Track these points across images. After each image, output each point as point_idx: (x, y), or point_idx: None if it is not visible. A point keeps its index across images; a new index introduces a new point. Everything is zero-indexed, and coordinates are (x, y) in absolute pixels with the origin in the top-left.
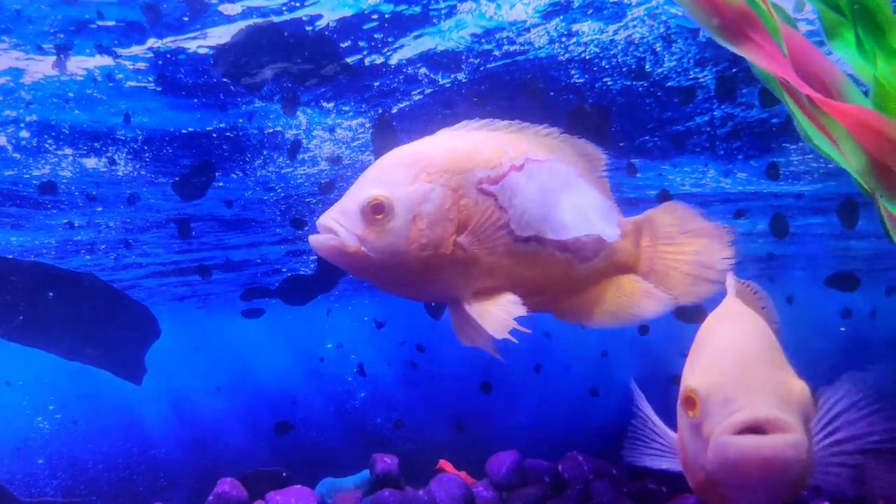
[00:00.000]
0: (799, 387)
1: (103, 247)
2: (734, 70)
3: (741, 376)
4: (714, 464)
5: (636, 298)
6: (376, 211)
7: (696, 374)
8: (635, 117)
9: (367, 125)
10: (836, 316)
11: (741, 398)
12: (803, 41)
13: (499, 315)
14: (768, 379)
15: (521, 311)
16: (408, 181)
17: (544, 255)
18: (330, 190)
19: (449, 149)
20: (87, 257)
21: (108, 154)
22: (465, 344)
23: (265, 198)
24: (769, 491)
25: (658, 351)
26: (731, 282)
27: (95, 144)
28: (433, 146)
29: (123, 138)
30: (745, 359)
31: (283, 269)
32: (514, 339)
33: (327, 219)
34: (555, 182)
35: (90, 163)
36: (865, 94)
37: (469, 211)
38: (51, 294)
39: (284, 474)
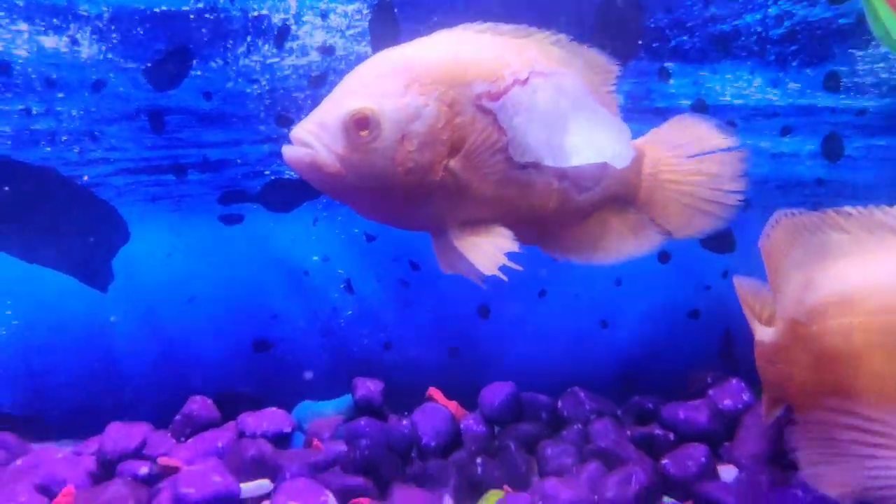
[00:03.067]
0: None
1: (65, 138)
2: None
3: None
4: None
5: (626, 234)
6: (360, 126)
7: None
8: (673, 13)
9: (365, 11)
10: None
11: None
12: None
13: (489, 250)
14: None
15: (514, 246)
16: (397, 93)
17: (541, 184)
18: (321, 84)
19: (445, 56)
20: (48, 149)
21: (70, 33)
22: (446, 272)
23: (248, 90)
24: None
25: (677, 282)
26: None
27: (55, 21)
28: (427, 52)
29: (87, 14)
30: None
31: (266, 172)
32: (503, 277)
33: (303, 131)
34: (561, 100)
35: (49, 42)
36: None
37: (464, 131)
38: (6, 188)
39: (260, 395)
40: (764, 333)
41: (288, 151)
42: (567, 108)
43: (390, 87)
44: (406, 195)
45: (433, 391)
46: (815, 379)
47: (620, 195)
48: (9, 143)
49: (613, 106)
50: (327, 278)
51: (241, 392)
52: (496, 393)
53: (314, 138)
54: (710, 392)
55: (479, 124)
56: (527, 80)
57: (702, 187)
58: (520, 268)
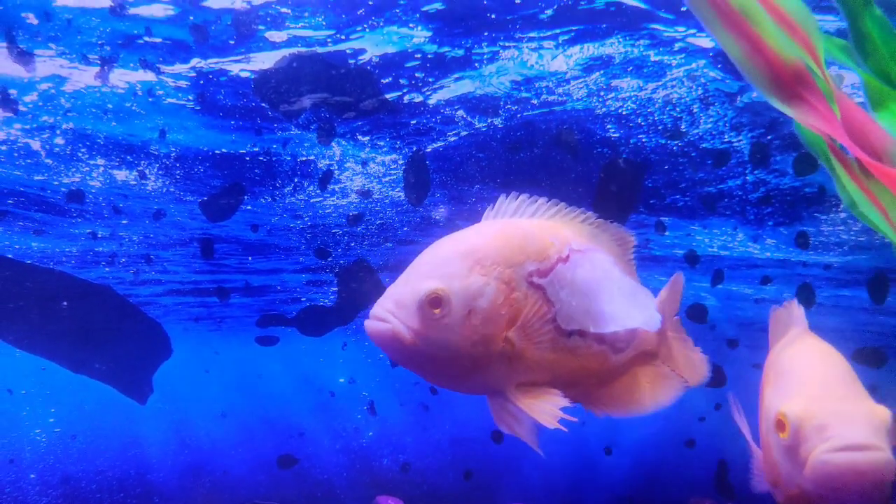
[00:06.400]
0: (883, 413)
1: (124, 260)
2: (769, 137)
3: (832, 404)
4: (813, 481)
5: (657, 386)
6: (434, 305)
7: (788, 400)
8: (668, 175)
9: (400, 162)
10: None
11: (835, 425)
12: (855, 107)
13: (546, 407)
14: (856, 406)
15: (566, 402)
16: (463, 274)
17: (584, 348)
18: (357, 223)
19: (501, 240)
20: (107, 269)
21: (140, 168)
22: (504, 431)
23: (292, 225)
24: None
25: (673, 413)
26: (800, 313)
27: (128, 157)
28: (485, 236)
29: (157, 153)
30: (832, 387)
31: (303, 299)
32: (564, 429)
33: (382, 310)
34: (596, 273)
35: (121, 175)
36: None
37: (519, 305)
38: (65, 303)
39: None
40: None
41: (370, 326)
42: (600, 280)
43: (457, 270)
44: (471, 363)
45: None
46: None
47: (647, 352)
48: (73, 262)
49: (633, 272)
50: (352, 400)
51: None
52: None
53: (393, 315)
54: None
55: (531, 299)
56: (567, 257)
57: (680, 343)
58: (576, 419)
